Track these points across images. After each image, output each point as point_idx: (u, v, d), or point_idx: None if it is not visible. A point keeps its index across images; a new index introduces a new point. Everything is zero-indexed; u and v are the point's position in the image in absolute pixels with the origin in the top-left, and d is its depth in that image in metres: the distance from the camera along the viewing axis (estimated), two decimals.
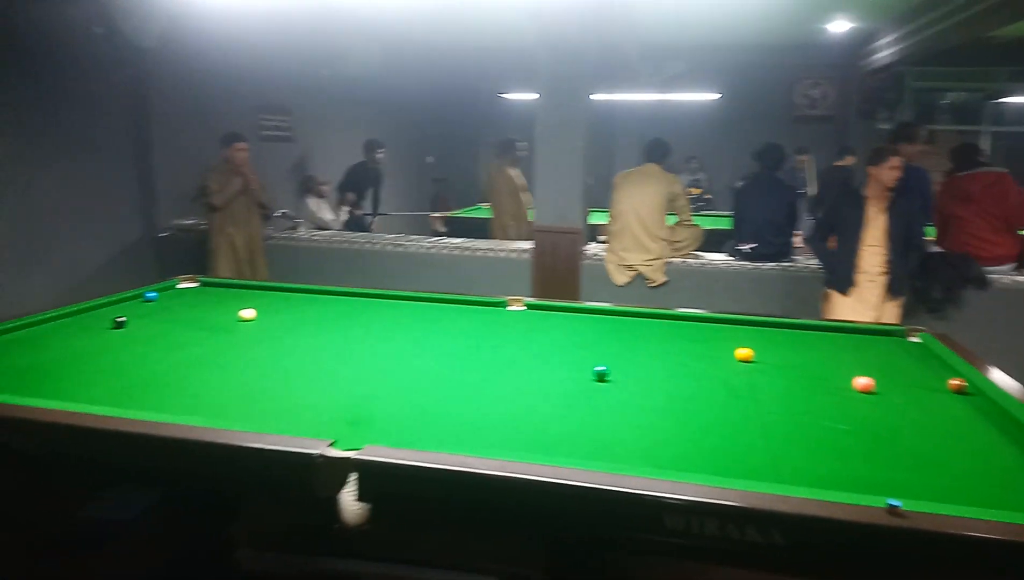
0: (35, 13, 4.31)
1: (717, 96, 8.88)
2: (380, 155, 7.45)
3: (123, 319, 2.65)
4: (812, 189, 6.95)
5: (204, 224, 5.19)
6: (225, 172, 5.06)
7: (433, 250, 5.19)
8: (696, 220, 5.01)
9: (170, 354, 2.39)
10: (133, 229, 5.44)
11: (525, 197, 6.12)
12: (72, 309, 2.82)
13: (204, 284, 3.46)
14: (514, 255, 5.00)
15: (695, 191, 8.78)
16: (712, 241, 5.13)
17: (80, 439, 1.72)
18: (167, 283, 3.35)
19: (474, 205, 8.48)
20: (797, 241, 4.92)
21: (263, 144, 7.04)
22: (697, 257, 4.81)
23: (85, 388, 2.01)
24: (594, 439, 1.75)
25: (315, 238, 5.45)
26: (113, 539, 2.75)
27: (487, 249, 5.07)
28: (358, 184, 7.22)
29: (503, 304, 3.12)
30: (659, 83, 8.02)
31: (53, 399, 1.83)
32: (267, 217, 5.34)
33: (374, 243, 5.29)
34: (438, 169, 11.40)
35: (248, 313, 2.82)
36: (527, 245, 5.00)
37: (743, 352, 2.42)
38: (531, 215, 5.39)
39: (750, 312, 3.05)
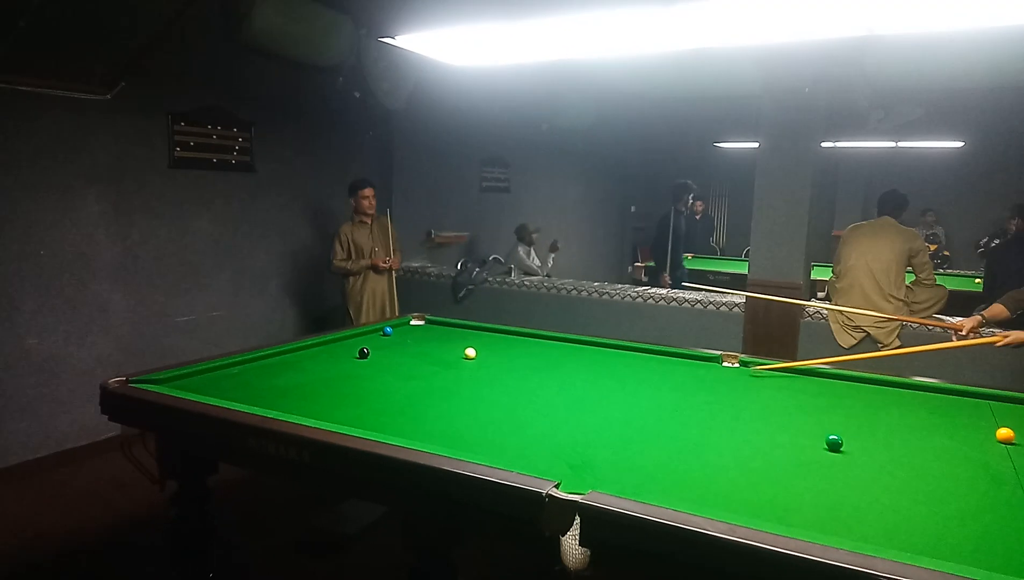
0: (313, 83, 5.04)
1: (959, 144, 8.04)
2: (691, 200, 6.83)
3: (367, 350, 2.95)
4: None
5: (429, 266, 5.59)
6: (356, 223, 4.93)
7: (639, 299, 5.18)
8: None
9: (406, 384, 2.62)
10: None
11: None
12: (324, 338, 3.21)
13: (429, 322, 3.75)
14: (724, 309, 4.84)
15: (931, 247, 7.97)
16: (953, 303, 4.59)
17: (329, 456, 1.92)
18: (402, 319, 3.70)
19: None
20: None
21: (483, 194, 7.55)
22: (937, 321, 4.32)
23: (335, 410, 2.26)
24: (830, 513, 1.63)
25: (525, 283, 5.67)
26: (339, 549, 3.04)
27: (695, 301, 4.95)
28: (666, 236, 6.57)
29: (717, 359, 3.03)
30: (891, 130, 7.42)
31: (310, 418, 2.07)
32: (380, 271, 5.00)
33: (579, 290, 5.39)
34: (639, 218, 11.43)
35: (471, 351, 3.01)
36: (739, 298, 4.82)
37: (1004, 432, 2.13)
38: None
39: (1004, 387, 2.67)
